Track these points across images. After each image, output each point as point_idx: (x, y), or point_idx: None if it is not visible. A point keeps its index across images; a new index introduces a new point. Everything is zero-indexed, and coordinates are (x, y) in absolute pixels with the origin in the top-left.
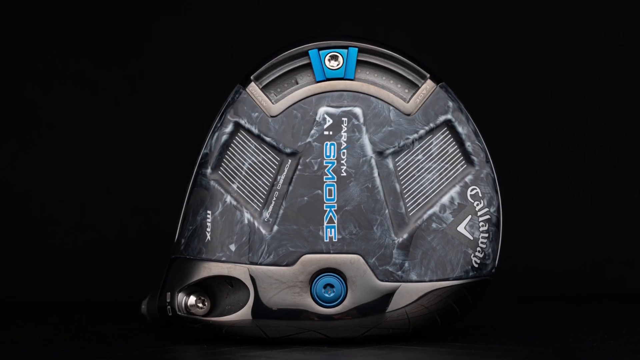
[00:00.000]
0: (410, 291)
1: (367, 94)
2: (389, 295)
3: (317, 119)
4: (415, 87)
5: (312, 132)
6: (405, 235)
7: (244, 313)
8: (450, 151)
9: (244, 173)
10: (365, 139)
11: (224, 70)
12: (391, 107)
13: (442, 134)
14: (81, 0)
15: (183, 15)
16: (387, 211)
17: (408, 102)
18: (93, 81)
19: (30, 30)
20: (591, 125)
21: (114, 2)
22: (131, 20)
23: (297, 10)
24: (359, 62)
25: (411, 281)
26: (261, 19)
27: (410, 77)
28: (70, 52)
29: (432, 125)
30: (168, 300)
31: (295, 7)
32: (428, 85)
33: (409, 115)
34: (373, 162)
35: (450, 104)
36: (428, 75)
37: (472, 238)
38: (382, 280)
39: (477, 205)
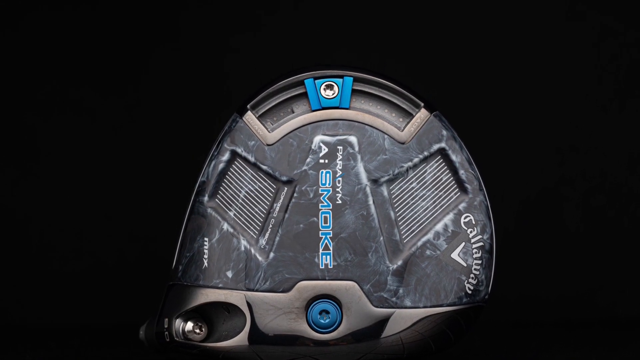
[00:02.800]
0: (404, 317)
1: (362, 123)
2: (383, 321)
3: (312, 147)
4: (409, 115)
5: (308, 160)
6: (399, 262)
7: (240, 339)
8: (444, 179)
9: (240, 201)
10: (360, 167)
11: (220, 99)
12: (386, 136)
13: (436, 162)
14: (79, 30)
15: (180, 45)
16: (381, 238)
17: (402, 130)
18: (92, 109)
19: (30, 59)
20: (583, 154)
21: (112, 32)
22: (129, 50)
23: (293, 39)
24: (354, 91)
25: (405, 307)
26: (257, 48)
27: (404, 106)
28: (69, 81)
29: (426, 153)
30: (166, 326)
31: (291, 36)
32: (422, 114)
33: (403, 143)
34: (368, 190)
35: (444, 132)
36: (422, 104)
37: (465, 265)
38: (376, 307)
39: (471, 232)
